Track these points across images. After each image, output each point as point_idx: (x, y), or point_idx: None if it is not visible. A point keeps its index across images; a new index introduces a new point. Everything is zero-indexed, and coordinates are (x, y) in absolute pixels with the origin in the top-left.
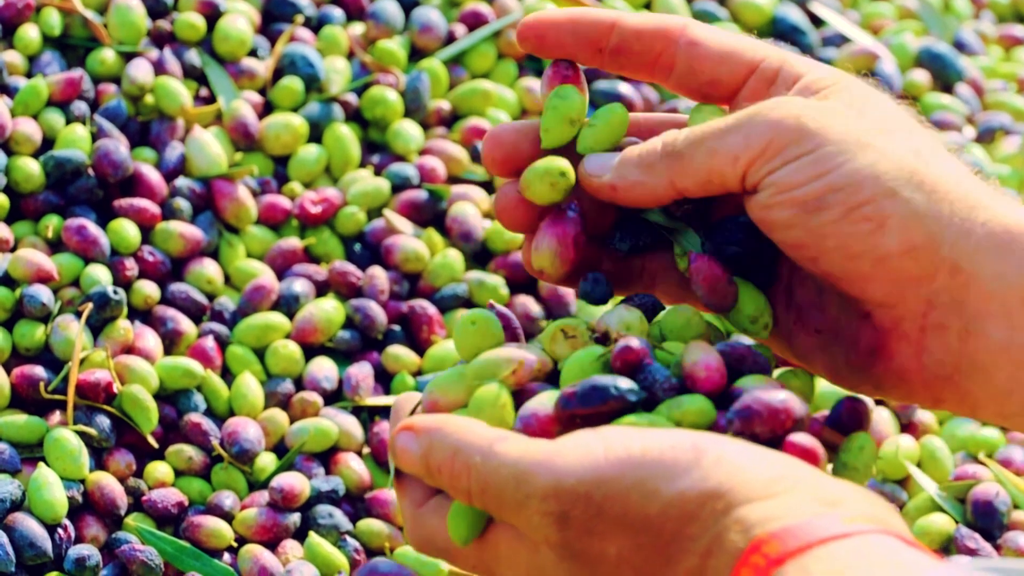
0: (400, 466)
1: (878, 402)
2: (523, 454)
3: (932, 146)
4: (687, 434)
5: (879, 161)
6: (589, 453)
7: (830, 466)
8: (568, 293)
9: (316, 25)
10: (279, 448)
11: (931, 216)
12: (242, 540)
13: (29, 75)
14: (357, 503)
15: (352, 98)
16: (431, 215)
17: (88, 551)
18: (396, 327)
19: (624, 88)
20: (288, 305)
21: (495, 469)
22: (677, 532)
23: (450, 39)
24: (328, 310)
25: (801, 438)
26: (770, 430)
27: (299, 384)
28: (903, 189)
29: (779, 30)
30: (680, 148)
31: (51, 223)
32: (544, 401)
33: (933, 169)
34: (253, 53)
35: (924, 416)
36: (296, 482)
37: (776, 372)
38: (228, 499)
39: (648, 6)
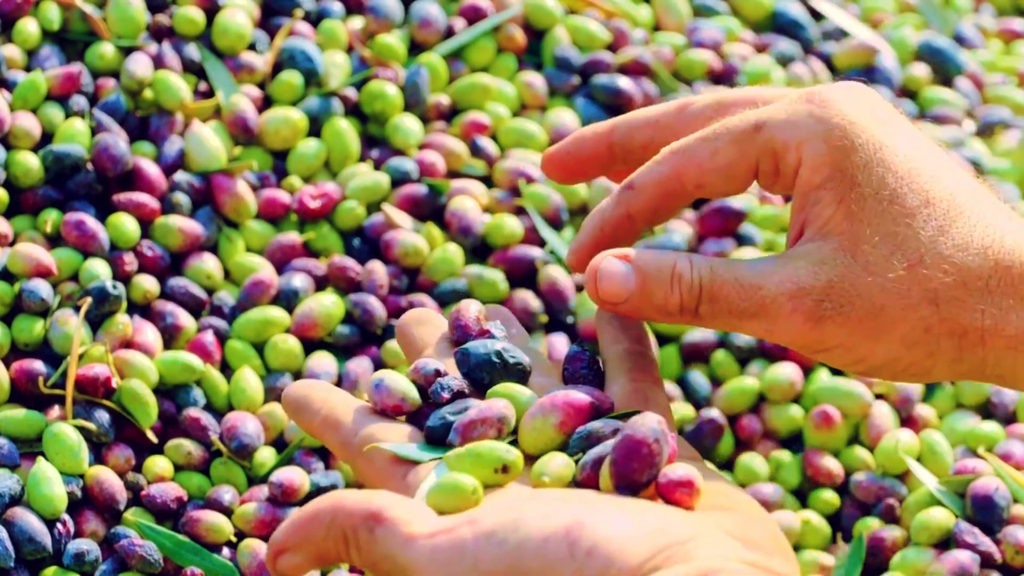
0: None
1: (878, 396)
2: (403, 545)
3: None
4: (562, 517)
5: None
6: (461, 560)
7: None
8: (567, 288)
9: (315, 19)
10: (278, 443)
11: None
12: (241, 535)
13: (28, 69)
14: None
15: (351, 92)
16: (430, 209)
17: (87, 546)
18: (395, 322)
19: (623, 82)
20: (287, 300)
21: (383, 554)
22: None
23: (449, 33)
24: (327, 305)
25: (675, 472)
26: (646, 470)
27: (298, 379)
28: None
29: (779, 24)
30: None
31: (50, 217)
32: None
33: None
34: (252, 47)
35: (924, 410)
36: (296, 477)
37: None
38: (227, 494)
39: (649, 0)
